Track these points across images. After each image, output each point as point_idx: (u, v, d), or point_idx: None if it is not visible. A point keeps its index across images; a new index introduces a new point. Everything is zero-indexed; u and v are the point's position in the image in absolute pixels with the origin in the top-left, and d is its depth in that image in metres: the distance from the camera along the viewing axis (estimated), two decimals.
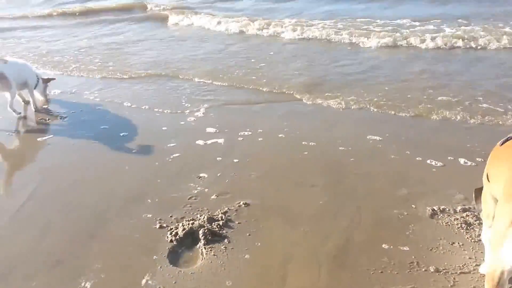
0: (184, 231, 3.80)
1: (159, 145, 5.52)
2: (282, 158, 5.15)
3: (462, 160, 4.85)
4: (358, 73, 8.03)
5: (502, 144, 2.84)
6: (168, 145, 5.48)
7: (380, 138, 5.48)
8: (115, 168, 5.08)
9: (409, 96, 6.77)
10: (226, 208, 4.13)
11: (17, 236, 3.93)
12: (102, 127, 6.20)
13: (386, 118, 6.09)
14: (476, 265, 3.32)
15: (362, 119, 6.13)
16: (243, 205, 4.18)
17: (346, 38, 10.20)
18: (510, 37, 9.37)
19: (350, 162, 4.97)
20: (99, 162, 5.27)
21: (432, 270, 3.30)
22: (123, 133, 5.92)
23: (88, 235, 3.89)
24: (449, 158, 4.90)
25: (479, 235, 3.50)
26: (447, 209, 4.00)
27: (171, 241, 3.73)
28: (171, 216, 4.06)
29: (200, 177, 4.73)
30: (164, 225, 3.94)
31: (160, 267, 3.45)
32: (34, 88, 6.93)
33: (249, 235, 3.79)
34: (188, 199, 4.32)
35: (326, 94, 6.96)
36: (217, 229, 3.84)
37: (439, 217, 3.91)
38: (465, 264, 3.36)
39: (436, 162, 4.82)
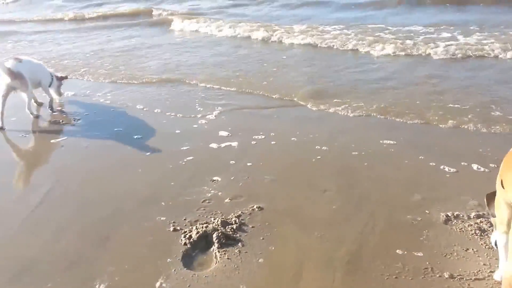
0: (198, 234, 3.81)
1: (173, 148, 5.55)
2: (295, 162, 5.17)
3: (475, 166, 4.84)
4: (369, 80, 8.01)
5: None
6: (182, 148, 5.51)
7: (394, 142, 5.50)
8: (128, 171, 5.11)
9: (418, 102, 6.74)
10: (239, 212, 4.14)
11: (31, 237, 3.95)
12: (115, 129, 6.24)
13: (397, 125, 6.08)
14: (491, 271, 3.30)
15: (373, 125, 6.12)
16: (257, 209, 4.19)
17: (356, 45, 10.16)
18: None
19: (363, 166, 4.97)
20: (113, 164, 5.31)
21: (446, 276, 3.29)
22: (136, 136, 5.96)
23: (102, 237, 3.90)
24: (462, 163, 4.89)
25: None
26: (461, 215, 3.99)
27: (185, 244, 3.73)
28: (184, 219, 4.07)
29: (214, 180, 4.74)
30: (178, 228, 3.95)
31: (174, 270, 3.46)
32: (49, 86, 7.02)
33: (262, 239, 3.79)
34: (202, 202, 4.34)
35: (335, 100, 6.94)
36: (230, 232, 3.85)
37: (453, 223, 3.90)
38: (479, 270, 3.34)
39: (449, 168, 4.81)
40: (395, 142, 5.50)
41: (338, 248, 3.65)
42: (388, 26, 11.68)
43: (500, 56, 9.01)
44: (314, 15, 13.82)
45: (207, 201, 4.36)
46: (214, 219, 4.01)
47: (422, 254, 3.53)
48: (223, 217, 4.06)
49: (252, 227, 3.95)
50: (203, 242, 3.79)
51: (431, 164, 4.93)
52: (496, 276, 3.20)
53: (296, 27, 12.19)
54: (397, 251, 3.58)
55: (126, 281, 3.38)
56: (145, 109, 6.97)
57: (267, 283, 3.32)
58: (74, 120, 6.64)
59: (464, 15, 12.42)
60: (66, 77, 7.64)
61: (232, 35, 12.12)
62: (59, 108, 7.16)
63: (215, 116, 6.55)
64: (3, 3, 21.48)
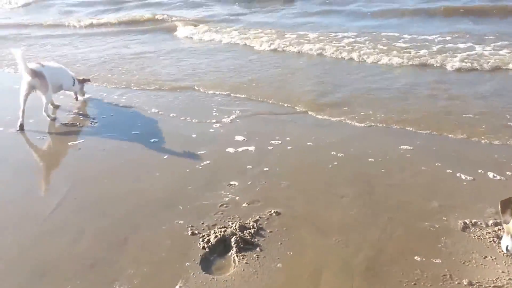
0: (216, 239, 3.84)
1: (190, 152, 5.59)
2: (312, 168, 5.19)
3: (491, 174, 4.84)
4: (382, 89, 7.94)
5: None
6: (199, 152, 5.55)
7: (411, 148, 5.52)
8: (146, 174, 5.14)
9: (433, 112, 6.70)
10: (257, 217, 4.17)
11: (51, 240, 3.99)
12: (133, 132, 6.29)
13: (411, 134, 6.02)
14: (510, 279, 3.32)
15: (388, 133, 6.10)
16: (274, 214, 4.21)
17: (369, 53, 10.09)
18: None
19: (380, 173, 4.98)
20: (130, 167, 5.35)
21: (465, 283, 3.30)
22: (153, 139, 6.01)
23: (121, 240, 3.94)
24: (479, 171, 4.89)
25: None
26: (478, 222, 3.99)
27: (203, 248, 3.76)
28: (202, 223, 4.10)
29: (231, 184, 4.78)
30: (196, 232, 3.98)
31: (193, 274, 3.49)
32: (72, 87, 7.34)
33: (280, 244, 3.82)
34: (219, 207, 4.37)
35: (348, 108, 6.94)
36: (249, 237, 3.87)
37: (471, 230, 3.90)
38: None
39: (466, 176, 4.81)
40: (411, 148, 5.52)
41: (356, 254, 3.66)
42: (404, 34, 11.64)
43: None
44: (328, 23, 13.81)
45: (225, 205, 4.39)
46: (232, 224, 4.05)
47: (440, 261, 3.54)
48: (241, 221, 4.09)
49: (270, 232, 3.97)
50: (221, 247, 3.82)
51: (447, 171, 4.93)
52: None
53: (310, 34, 12.23)
54: (415, 257, 3.59)
55: (145, 284, 3.41)
56: (160, 113, 7.02)
57: None
58: (91, 123, 6.70)
59: (479, 26, 12.35)
60: (88, 80, 7.80)
61: (248, 43, 12.10)
62: (76, 111, 7.22)
63: (230, 121, 6.59)
64: (12, 8, 21.56)
